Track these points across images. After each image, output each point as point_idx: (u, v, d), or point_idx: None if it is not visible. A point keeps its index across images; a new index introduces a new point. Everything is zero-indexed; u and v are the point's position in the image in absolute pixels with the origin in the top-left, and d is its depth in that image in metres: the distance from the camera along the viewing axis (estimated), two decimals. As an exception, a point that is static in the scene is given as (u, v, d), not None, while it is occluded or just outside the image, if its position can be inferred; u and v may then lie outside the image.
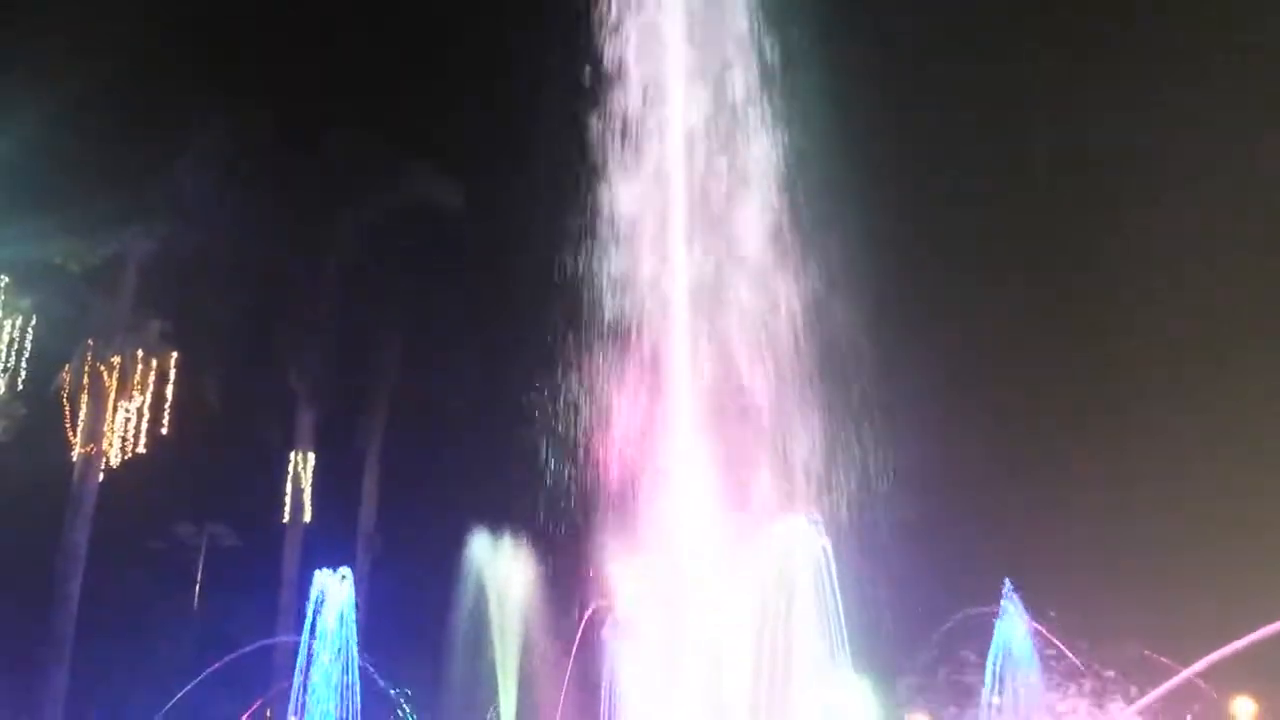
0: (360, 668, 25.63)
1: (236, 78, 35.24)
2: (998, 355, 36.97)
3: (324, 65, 37.79)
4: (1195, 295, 36.14)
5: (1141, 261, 36.38)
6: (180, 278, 35.80)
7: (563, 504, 36.61)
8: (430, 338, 40.23)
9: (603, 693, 26.60)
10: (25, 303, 32.67)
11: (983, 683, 23.47)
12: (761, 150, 25.32)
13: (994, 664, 24.33)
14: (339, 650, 25.42)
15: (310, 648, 25.11)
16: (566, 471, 36.44)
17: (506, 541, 28.95)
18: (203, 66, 34.99)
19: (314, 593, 25.42)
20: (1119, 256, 37.28)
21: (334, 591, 25.73)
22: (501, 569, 28.29)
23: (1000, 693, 23.44)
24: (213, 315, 36.35)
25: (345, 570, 26.36)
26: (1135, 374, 36.52)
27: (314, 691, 25.15)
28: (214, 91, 34.77)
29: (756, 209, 24.93)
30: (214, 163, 35.72)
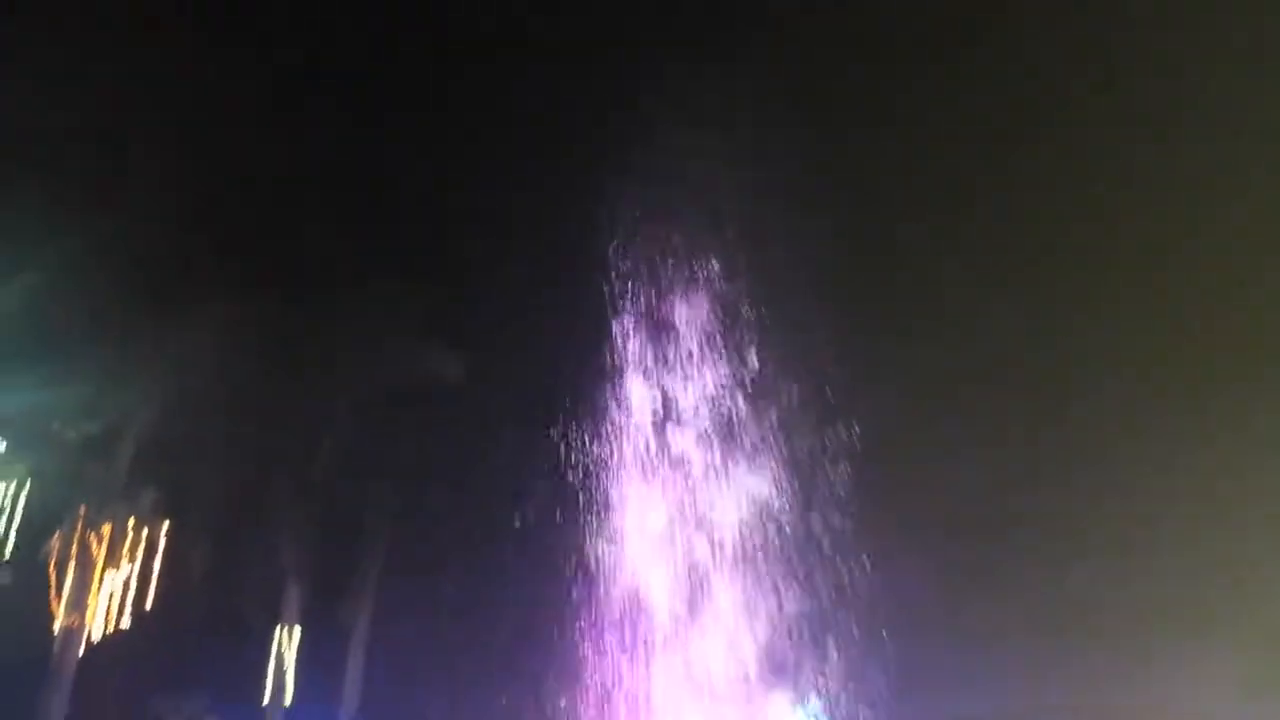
0: None
1: (239, 255, 36.54)
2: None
3: (321, 242, 39.05)
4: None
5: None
6: (176, 449, 36.06)
7: (555, 687, 36.11)
8: (421, 517, 40.27)
9: None
10: (19, 468, 32.88)
11: None
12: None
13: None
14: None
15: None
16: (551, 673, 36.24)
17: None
18: (207, 240, 36.22)
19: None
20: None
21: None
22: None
23: None
24: (205, 486, 36.40)
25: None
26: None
27: None
28: (217, 268, 35.99)
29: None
30: (214, 335, 36.47)
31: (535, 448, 40.61)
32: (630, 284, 35.74)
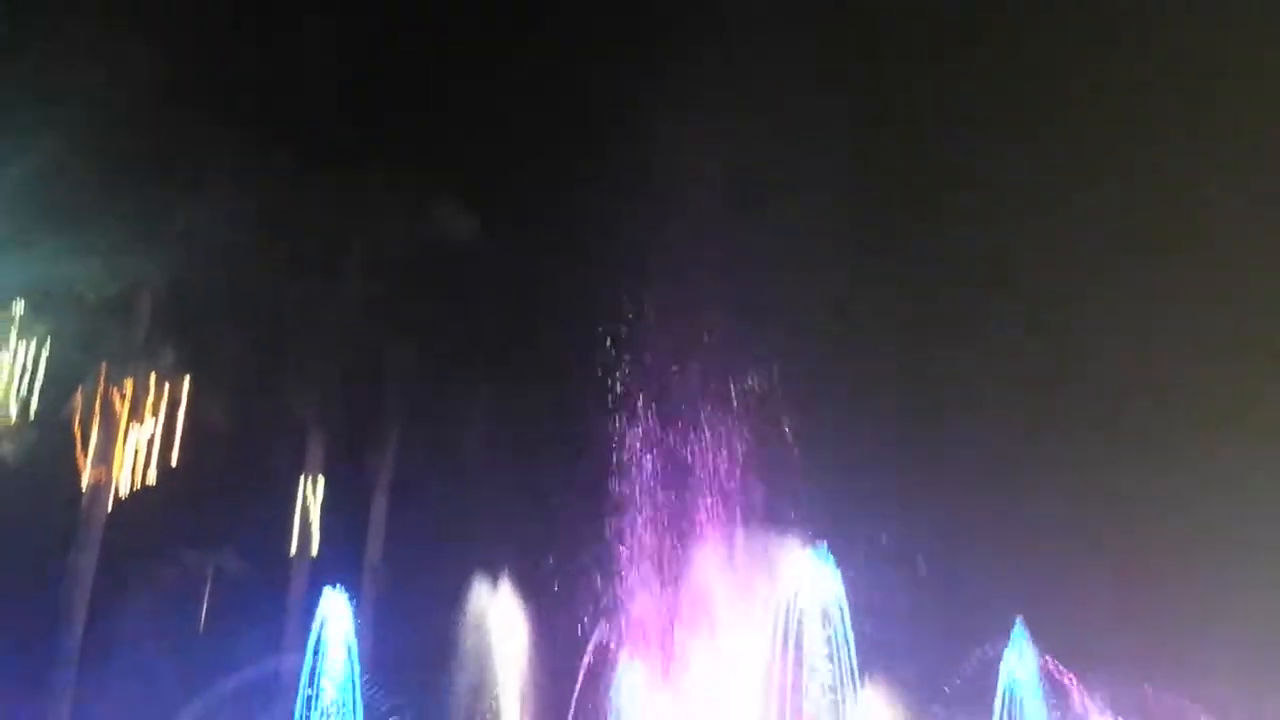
0: (365, 692, 25.53)
1: (254, 109, 35.74)
2: (1005, 394, 37.05)
3: (339, 95, 38.18)
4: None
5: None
6: (194, 305, 35.98)
7: (571, 537, 36.81)
8: (442, 368, 40.36)
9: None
10: (41, 328, 32.85)
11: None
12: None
13: (1003, 699, 24.18)
14: (343, 670, 25.36)
15: (314, 667, 25.08)
16: (576, 504, 36.70)
17: (513, 573, 28.97)
18: (220, 98, 35.38)
19: (319, 613, 25.43)
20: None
21: (338, 612, 25.74)
22: (508, 600, 28.27)
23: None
24: (225, 342, 36.43)
25: (342, 601, 26.39)
26: (1149, 409, 36.54)
27: (319, 711, 25.07)
28: (232, 122, 35.19)
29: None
30: (230, 192, 35.92)
31: (560, 304, 40.54)
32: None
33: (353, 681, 25.83)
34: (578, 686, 26.35)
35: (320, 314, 39.38)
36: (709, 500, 27.10)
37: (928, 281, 38.37)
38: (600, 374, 39.93)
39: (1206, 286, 36.37)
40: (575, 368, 39.88)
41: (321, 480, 39.08)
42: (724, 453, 31.72)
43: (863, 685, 25.27)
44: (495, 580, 28.57)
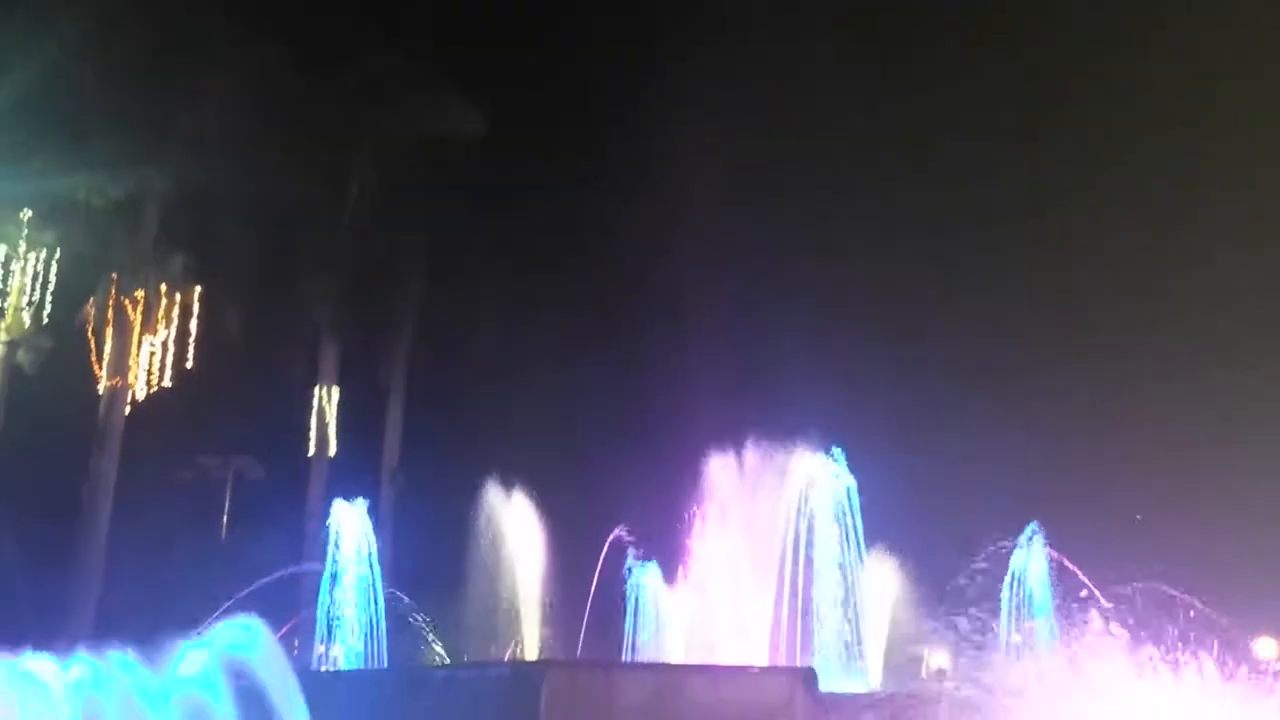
0: (385, 597, 25.95)
1: (258, 6, 35.00)
2: (1024, 295, 36.86)
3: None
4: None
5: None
6: (202, 211, 35.77)
7: (587, 436, 37.05)
8: (455, 270, 40.21)
9: (625, 620, 26.99)
10: (49, 236, 32.77)
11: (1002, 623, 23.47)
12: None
13: (1010, 594, 24.37)
14: (361, 579, 25.77)
15: (333, 575, 25.50)
16: (594, 407, 36.86)
17: (530, 473, 29.17)
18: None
19: (332, 523, 25.78)
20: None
21: (353, 522, 26.06)
22: (524, 500, 28.52)
23: (1019, 629, 23.47)
24: (235, 248, 36.31)
25: (362, 501, 26.68)
26: (1169, 310, 36.34)
27: (339, 619, 25.54)
28: (233, 20, 34.53)
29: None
30: (235, 93, 35.42)
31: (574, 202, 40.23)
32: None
33: (373, 585, 26.22)
34: (592, 589, 26.72)
35: (331, 217, 39.20)
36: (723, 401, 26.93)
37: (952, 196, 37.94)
38: (620, 270, 40.00)
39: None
40: (596, 267, 39.91)
41: (337, 385, 39.26)
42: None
43: (871, 582, 25.61)
44: (513, 483, 28.74)
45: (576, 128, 41.00)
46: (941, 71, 38.73)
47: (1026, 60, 37.63)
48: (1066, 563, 24.40)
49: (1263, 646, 28.73)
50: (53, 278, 33.05)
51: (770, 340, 35.48)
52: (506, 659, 26.46)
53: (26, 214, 32.04)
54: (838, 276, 38.61)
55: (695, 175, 37.90)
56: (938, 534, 25.75)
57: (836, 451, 24.97)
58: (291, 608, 26.39)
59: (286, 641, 25.60)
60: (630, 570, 27.06)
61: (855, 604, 24.06)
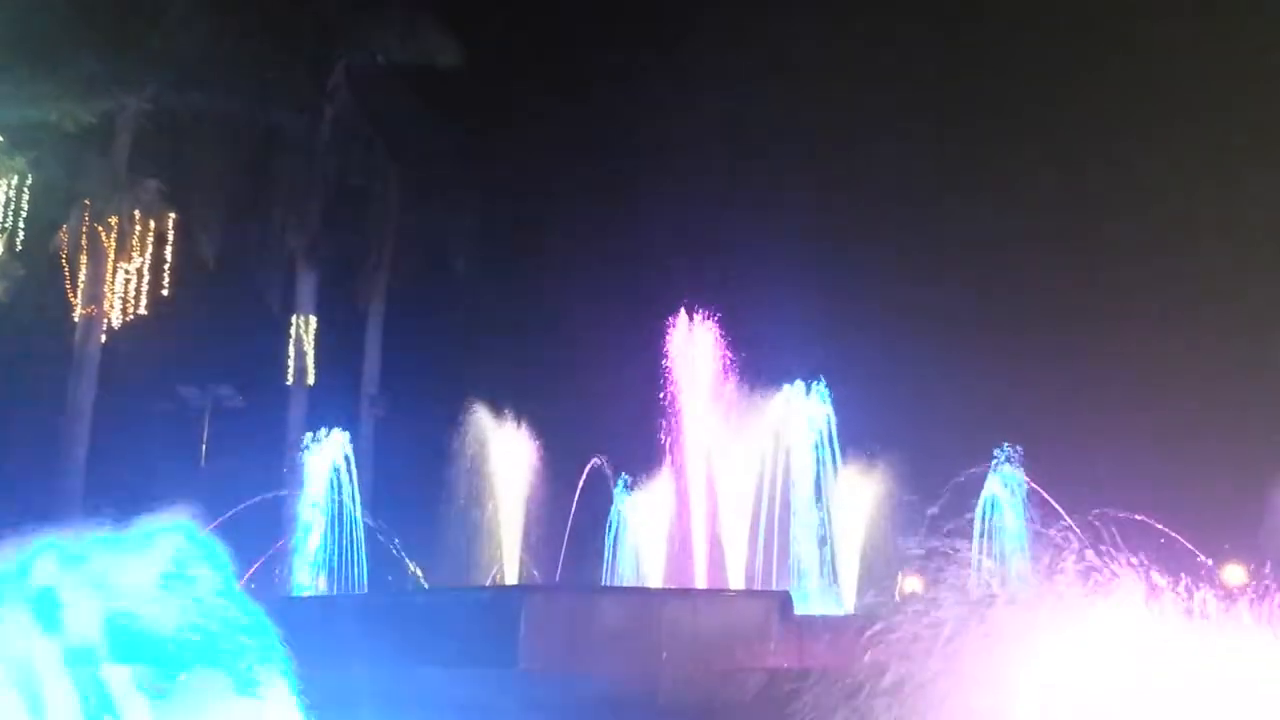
0: (365, 526, 26.10)
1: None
2: (1003, 222, 36.90)
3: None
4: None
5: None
6: (175, 137, 35.31)
7: (569, 363, 37.10)
8: (433, 195, 39.96)
9: (605, 545, 27.30)
10: (19, 161, 32.18)
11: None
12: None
13: (982, 518, 24.68)
14: (342, 506, 25.91)
15: (312, 504, 25.64)
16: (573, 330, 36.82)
17: (509, 400, 29.23)
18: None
19: (311, 452, 25.84)
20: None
21: (332, 450, 26.14)
22: (504, 428, 28.60)
23: (990, 553, 23.80)
24: (209, 174, 35.91)
25: (342, 432, 26.74)
26: (1146, 232, 36.49)
27: (319, 547, 25.70)
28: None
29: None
30: (208, 16, 34.81)
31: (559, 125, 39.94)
32: None
33: (353, 513, 26.35)
34: (571, 515, 26.95)
35: (307, 142, 38.73)
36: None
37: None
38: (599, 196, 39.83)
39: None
40: (577, 190, 39.76)
41: (314, 313, 39.02)
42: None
43: (846, 509, 25.92)
44: (492, 409, 28.81)
45: (555, 49, 40.64)
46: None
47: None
48: (1037, 488, 24.71)
49: (1230, 573, 29.24)
50: (24, 205, 32.40)
51: (754, 274, 35.48)
52: (487, 584, 26.71)
53: (-3, 139, 31.41)
54: (820, 209, 38.62)
55: (676, 104, 37.72)
56: (914, 460, 26.01)
57: (819, 387, 25.15)
58: (271, 536, 26.52)
59: (267, 569, 25.86)
60: (611, 497, 27.32)
61: (830, 531, 24.40)
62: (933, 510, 20.30)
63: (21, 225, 32.58)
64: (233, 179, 36.58)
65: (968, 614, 9.00)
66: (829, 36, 37.63)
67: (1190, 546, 19.88)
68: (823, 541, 24.36)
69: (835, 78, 36.55)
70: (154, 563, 9.27)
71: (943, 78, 38.52)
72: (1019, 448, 25.04)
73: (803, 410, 24.74)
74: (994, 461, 25.35)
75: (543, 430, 29.08)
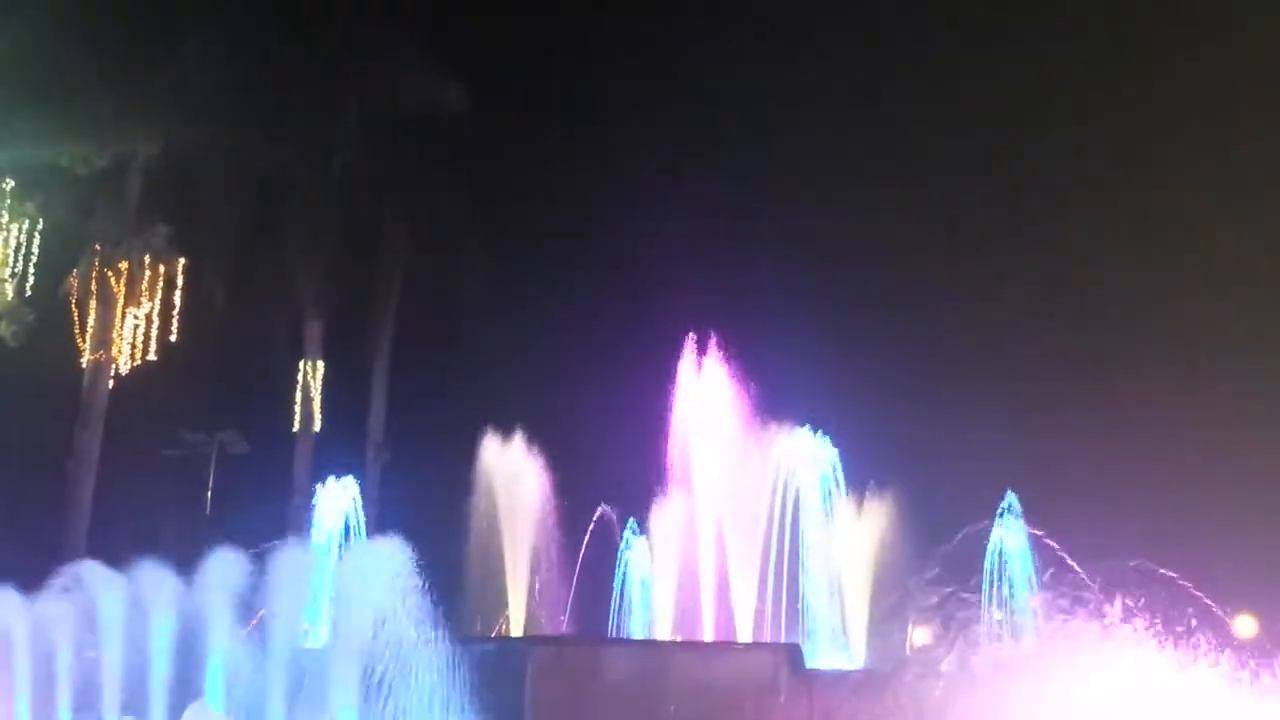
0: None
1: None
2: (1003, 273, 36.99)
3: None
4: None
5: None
6: (186, 182, 35.56)
7: (575, 408, 37.03)
8: (441, 244, 40.08)
9: (612, 593, 27.07)
10: (30, 206, 32.43)
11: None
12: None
13: (990, 569, 24.47)
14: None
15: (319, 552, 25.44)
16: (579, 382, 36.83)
17: (517, 446, 29.09)
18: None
19: (318, 501, 25.73)
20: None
21: (340, 498, 26.02)
22: (512, 474, 28.43)
23: (999, 604, 23.61)
24: (219, 220, 36.11)
25: (349, 480, 26.63)
26: (1156, 286, 36.50)
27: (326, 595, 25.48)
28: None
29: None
30: (219, 63, 35.13)
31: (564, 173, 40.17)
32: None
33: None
34: (578, 565, 26.79)
35: (316, 189, 38.98)
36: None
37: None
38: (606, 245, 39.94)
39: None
40: (582, 241, 39.89)
41: (321, 359, 39.10)
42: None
43: (854, 559, 25.71)
44: (500, 456, 28.67)
45: (561, 99, 40.98)
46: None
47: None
48: (1047, 540, 24.52)
49: (1242, 624, 29.01)
50: (35, 249, 32.59)
51: (755, 317, 35.50)
52: (493, 635, 26.50)
53: (8, 184, 31.63)
54: (821, 254, 38.70)
55: (678, 147, 37.93)
56: (922, 507, 25.87)
57: (821, 435, 25.09)
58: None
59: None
60: (618, 547, 27.16)
61: (839, 582, 24.20)
62: (945, 548, 20.15)
63: (32, 270, 32.72)
64: (242, 225, 36.73)
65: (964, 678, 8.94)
66: (853, 74, 37.79)
67: (1202, 596, 19.67)
68: (831, 591, 24.15)
69: (842, 131, 36.81)
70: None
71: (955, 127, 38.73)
72: (1027, 498, 24.88)
73: (810, 455, 24.63)
74: (1000, 511, 25.18)
75: (550, 476, 28.96)
